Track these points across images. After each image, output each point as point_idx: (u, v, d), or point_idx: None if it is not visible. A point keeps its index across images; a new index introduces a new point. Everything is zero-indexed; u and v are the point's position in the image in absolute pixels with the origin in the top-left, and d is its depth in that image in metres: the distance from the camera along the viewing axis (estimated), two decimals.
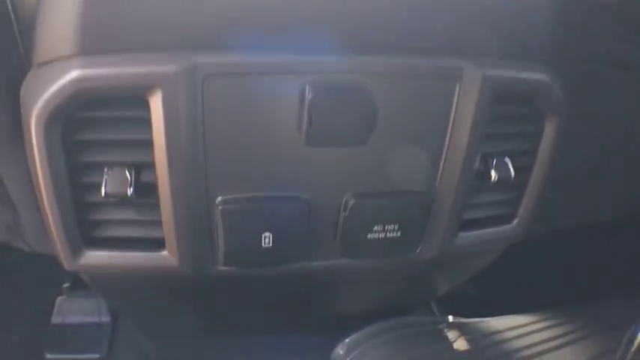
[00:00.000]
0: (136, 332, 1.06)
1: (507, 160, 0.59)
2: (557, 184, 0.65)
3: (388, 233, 0.58)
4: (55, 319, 1.13)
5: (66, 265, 0.56)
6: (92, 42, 0.46)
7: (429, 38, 0.51)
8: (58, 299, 1.14)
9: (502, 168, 0.59)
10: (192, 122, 0.49)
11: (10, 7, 0.53)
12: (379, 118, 0.52)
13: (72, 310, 1.13)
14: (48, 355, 1.06)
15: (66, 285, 1.12)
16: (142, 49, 0.46)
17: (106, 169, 0.51)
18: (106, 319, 1.11)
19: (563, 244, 1.11)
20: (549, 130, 0.59)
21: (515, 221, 0.65)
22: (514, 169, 0.59)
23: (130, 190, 0.50)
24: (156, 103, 0.47)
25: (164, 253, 0.56)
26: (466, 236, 0.63)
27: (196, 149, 0.50)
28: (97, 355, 1.06)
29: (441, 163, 0.57)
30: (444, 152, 0.56)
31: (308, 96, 0.49)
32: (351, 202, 0.56)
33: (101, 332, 1.10)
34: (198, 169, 0.51)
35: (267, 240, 0.55)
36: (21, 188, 0.63)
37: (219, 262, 0.57)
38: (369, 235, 0.57)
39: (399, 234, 0.58)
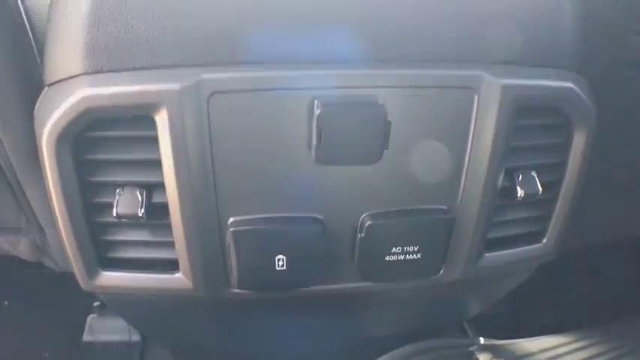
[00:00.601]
0: (165, 352, 1.06)
1: (534, 174, 0.56)
2: (589, 197, 0.62)
3: (408, 255, 0.55)
4: (87, 336, 1.14)
5: (83, 286, 0.56)
6: (98, 61, 0.46)
7: (444, 47, 0.49)
8: (89, 317, 1.15)
9: (529, 183, 0.56)
10: (199, 140, 0.48)
11: (28, 28, 0.54)
12: (393, 133, 0.50)
13: (102, 329, 1.14)
14: None
15: (96, 304, 1.14)
16: (148, 67, 0.46)
17: (117, 190, 0.50)
18: (135, 338, 1.12)
19: (598, 260, 1.07)
20: (578, 141, 0.56)
21: (544, 240, 0.62)
22: (542, 184, 0.56)
23: (141, 211, 0.50)
24: (162, 121, 0.47)
25: (178, 275, 0.55)
26: (492, 257, 0.60)
27: (204, 168, 0.49)
28: None
29: (462, 179, 0.54)
30: (465, 167, 0.53)
31: (316, 111, 0.47)
32: (368, 223, 0.53)
33: (130, 351, 1.11)
34: (208, 189, 0.50)
35: (280, 263, 0.53)
36: (46, 208, 0.63)
37: (233, 285, 0.55)
38: (387, 258, 0.55)
39: (419, 256, 0.56)
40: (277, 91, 0.47)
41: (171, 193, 0.50)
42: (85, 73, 0.46)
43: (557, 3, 0.51)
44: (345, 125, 0.48)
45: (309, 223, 0.53)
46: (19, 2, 0.53)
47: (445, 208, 0.55)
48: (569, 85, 0.53)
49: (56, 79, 0.48)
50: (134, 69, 0.46)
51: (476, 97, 0.50)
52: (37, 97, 0.51)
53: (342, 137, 0.48)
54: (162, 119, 0.47)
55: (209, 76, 0.46)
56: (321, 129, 0.47)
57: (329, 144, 0.48)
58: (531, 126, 0.55)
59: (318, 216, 0.53)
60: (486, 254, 0.60)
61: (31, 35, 0.54)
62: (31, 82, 0.54)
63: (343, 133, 0.48)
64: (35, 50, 0.55)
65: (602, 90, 0.57)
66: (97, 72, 0.46)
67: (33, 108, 0.51)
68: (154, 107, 0.46)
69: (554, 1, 0.51)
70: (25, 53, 0.55)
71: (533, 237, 0.62)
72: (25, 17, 0.54)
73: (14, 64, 0.54)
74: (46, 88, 0.50)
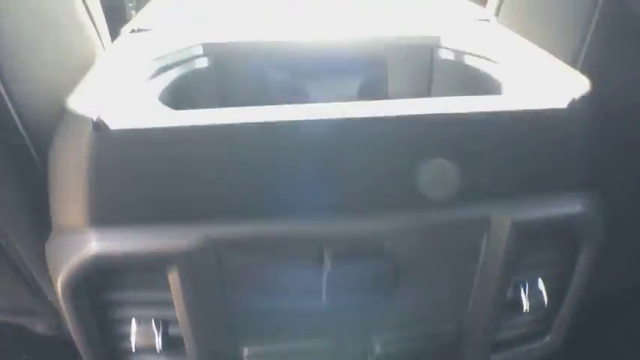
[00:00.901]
0: None
1: (540, 285, 0.57)
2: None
3: None
4: None
5: None
6: (103, 216, 0.46)
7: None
8: None
9: (535, 295, 0.57)
10: (211, 290, 0.49)
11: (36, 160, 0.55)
12: (402, 271, 0.51)
13: None
14: None
15: None
16: (155, 222, 0.47)
17: (134, 322, 0.52)
18: None
19: (612, 310, 1.06)
20: (586, 256, 0.56)
21: (548, 337, 0.63)
22: (547, 291, 0.57)
23: (158, 344, 0.52)
24: (173, 278, 0.48)
25: None
26: (497, 357, 0.62)
27: (217, 309, 0.51)
28: None
29: (470, 303, 0.55)
30: (472, 293, 0.55)
31: (326, 265, 0.48)
32: (377, 349, 0.55)
33: None
34: (222, 326, 0.52)
35: None
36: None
37: None
38: None
39: None
40: (287, 247, 0.49)
41: (186, 330, 0.52)
42: (92, 227, 0.47)
43: (563, 130, 0.51)
44: (355, 275, 0.49)
45: (321, 353, 0.55)
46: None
47: (452, 329, 0.57)
48: (579, 209, 0.53)
49: (63, 225, 0.49)
50: (141, 223, 0.47)
51: (485, 235, 0.51)
52: (40, 196, 0.51)
53: (351, 285, 0.50)
54: (173, 276, 0.48)
55: (217, 233, 0.47)
56: (331, 281, 0.49)
57: (339, 292, 0.50)
58: (539, 246, 0.55)
59: (330, 345, 0.55)
60: (492, 356, 0.61)
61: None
62: (32, 184, 0.54)
63: (353, 282, 0.50)
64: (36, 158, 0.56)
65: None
66: (104, 225, 0.46)
67: (37, 208, 0.51)
68: (164, 264, 0.48)
69: (559, 128, 0.50)
70: (27, 160, 0.55)
71: (538, 334, 0.63)
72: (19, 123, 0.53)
73: (15, 167, 0.55)
74: (55, 228, 0.50)
